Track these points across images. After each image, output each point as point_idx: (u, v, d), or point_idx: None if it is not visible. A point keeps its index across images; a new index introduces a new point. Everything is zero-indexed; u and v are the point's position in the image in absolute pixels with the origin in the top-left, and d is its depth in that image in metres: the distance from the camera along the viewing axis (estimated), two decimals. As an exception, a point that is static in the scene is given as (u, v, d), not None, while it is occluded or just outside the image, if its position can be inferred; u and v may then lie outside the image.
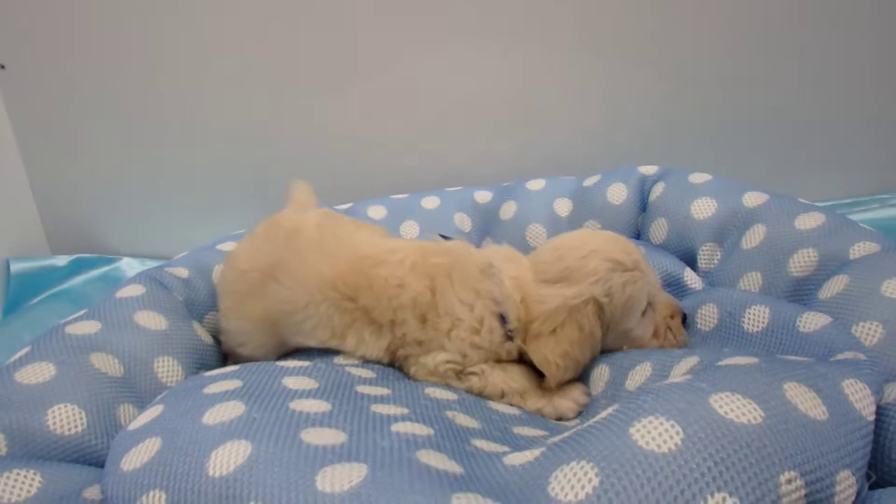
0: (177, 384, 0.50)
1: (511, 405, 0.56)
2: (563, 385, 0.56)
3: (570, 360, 0.54)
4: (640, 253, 0.59)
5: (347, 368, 0.54)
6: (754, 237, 0.68)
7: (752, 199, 0.72)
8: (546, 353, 0.53)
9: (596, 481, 0.31)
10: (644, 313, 0.58)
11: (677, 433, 0.32)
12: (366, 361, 0.59)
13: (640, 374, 0.52)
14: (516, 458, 0.37)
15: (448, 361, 0.56)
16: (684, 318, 0.61)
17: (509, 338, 0.56)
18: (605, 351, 0.59)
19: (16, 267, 1.05)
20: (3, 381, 0.48)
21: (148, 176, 1.13)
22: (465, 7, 0.99)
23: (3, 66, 1.03)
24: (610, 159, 0.98)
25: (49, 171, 1.13)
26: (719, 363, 0.41)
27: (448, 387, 0.56)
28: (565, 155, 1.08)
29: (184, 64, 1.04)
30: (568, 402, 0.55)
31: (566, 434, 0.37)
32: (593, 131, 1.08)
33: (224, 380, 0.47)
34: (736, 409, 0.33)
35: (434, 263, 0.58)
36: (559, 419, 0.55)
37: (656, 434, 0.32)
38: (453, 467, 0.35)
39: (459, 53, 1.02)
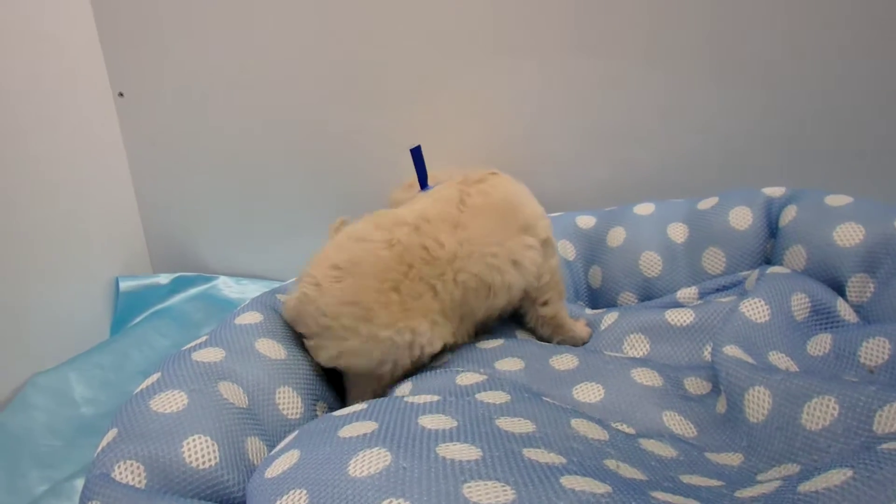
0: (307, 425, 0.48)
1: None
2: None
3: None
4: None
5: (478, 396, 0.51)
6: (916, 267, 0.60)
7: (909, 223, 0.63)
8: None
9: None
10: None
11: None
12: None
13: (820, 410, 0.45)
14: None
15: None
16: None
17: None
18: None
19: (124, 285, 1.09)
20: (139, 408, 0.48)
21: (242, 197, 1.16)
22: (535, 26, 0.95)
23: (121, 94, 1.09)
24: (702, 182, 0.92)
25: (154, 193, 1.18)
26: None
27: (593, 420, 0.50)
28: (655, 178, 1.01)
29: (277, 89, 1.06)
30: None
31: (774, 485, 0.30)
32: (683, 153, 1.00)
33: (357, 421, 0.44)
34: None
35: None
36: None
37: None
38: None
39: (536, 73, 0.97)
